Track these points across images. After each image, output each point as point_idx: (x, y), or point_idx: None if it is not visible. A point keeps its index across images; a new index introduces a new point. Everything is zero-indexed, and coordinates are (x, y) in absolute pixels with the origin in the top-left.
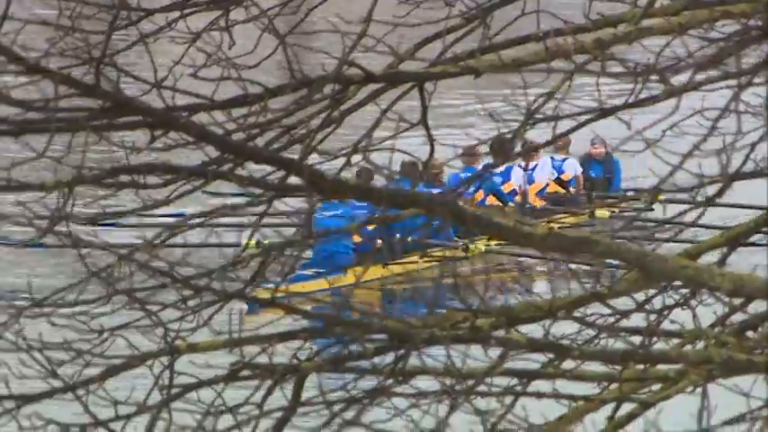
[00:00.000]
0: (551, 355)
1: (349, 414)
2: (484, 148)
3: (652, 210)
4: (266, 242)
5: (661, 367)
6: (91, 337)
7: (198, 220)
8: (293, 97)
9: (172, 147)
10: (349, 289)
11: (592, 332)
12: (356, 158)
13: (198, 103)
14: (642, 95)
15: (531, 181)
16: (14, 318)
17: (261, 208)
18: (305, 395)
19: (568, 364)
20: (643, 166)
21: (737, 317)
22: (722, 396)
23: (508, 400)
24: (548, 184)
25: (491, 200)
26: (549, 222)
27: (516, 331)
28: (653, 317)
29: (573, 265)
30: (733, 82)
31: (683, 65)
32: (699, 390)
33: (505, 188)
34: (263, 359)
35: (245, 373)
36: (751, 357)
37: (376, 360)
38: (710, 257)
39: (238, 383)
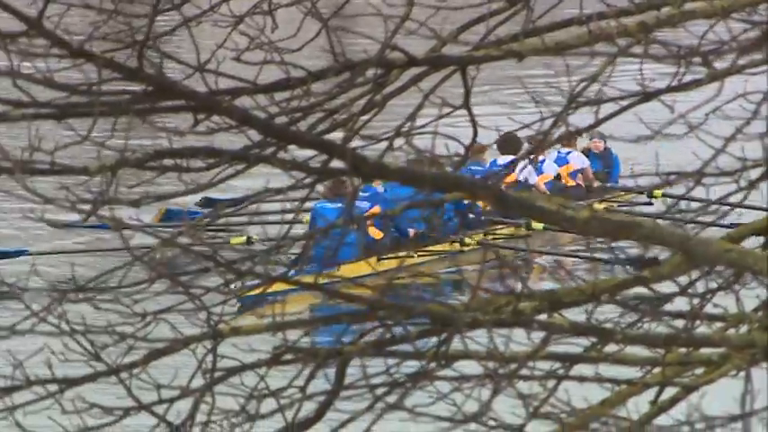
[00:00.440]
0: (594, 339)
1: (391, 398)
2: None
3: (651, 204)
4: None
5: (704, 351)
6: (134, 320)
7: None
8: (336, 81)
9: (215, 130)
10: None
11: (635, 316)
12: (398, 142)
13: (241, 86)
14: (685, 79)
15: (540, 172)
16: (58, 301)
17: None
18: (347, 379)
19: (611, 348)
20: (686, 150)
21: None
22: (765, 380)
23: (551, 383)
24: (558, 176)
25: None
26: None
27: (559, 315)
28: (696, 301)
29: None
30: None
31: (727, 48)
32: (742, 374)
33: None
34: (305, 343)
35: (288, 356)
36: None
37: (419, 344)
38: (754, 241)
39: (281, 367)
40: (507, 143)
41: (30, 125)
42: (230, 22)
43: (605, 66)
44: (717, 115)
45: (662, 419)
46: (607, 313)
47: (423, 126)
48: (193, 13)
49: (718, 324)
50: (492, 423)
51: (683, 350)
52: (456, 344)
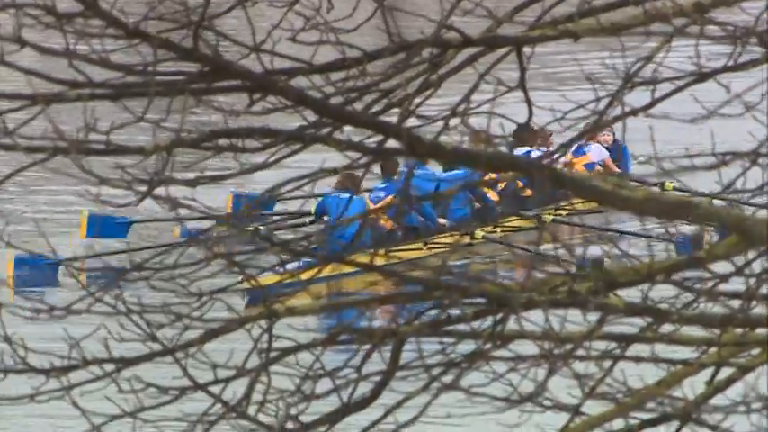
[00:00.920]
0: (650, 320)
1: (447, 378)
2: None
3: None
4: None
5: (760, 331)
6: (190, 300)
7: (298, 183)
8: (391, 61)
9: (270, 111)
10: (450, 253)
11: (690, 296)
12: (454, 122)
13: (296, 66)
14: (741, 59)
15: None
16: (114, 281)
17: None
18: (403, 359)
19: (667, 328)
20: (741, 131)
21: None
22: None
23: (606, 364)
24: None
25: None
26: (556, 210)
27: (615, 295)
28: (752, 281)
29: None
30: None
31: None
32: None
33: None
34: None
35: (344, 336)
36: None
37: (474, 324)
38: None
39: (337, 347)
40: (522, 135)
41: (85, 106)
42: (286, 2)
43: (661, 46)
44: None
45: (718, 400)
46: (663, 293)
47: (478, 106)
48: None
49: None
50: (548, 403)
51: (738, 330)
52: (512, 324)
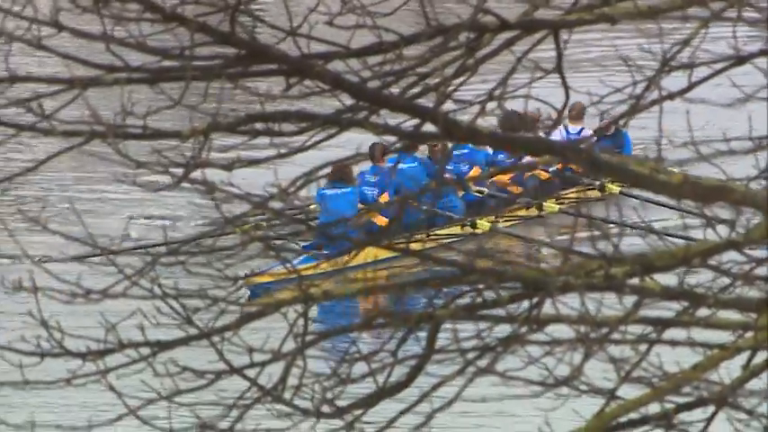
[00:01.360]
0: (686, 303)
1: (483, 362)
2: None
3: None
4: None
5: None
6: (226, 284)
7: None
8: (428, 45)
9: (307, 94)
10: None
11: (727, 280)
12: (491, 106)
13: (333, 50)
14: None
15: None
16: (150, 265)
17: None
18: (438, 343)
19: (703, 313)
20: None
21: None
22: None
23: (642, 348)
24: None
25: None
26: (558, 199)
27: (651, 279)
28: None
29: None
30: None
31: None
32: None
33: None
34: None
35: (380, 320)
36: None
37: (510, 308)
38: None
39: (373, 331)
40: (509, 122)
41: (122, 90)
42: None
43: (698, 29)
44: None
45: (754, 384)
46: (699, 277)
47: (515, 90)
48: None
49: None
50: (583, 387)
51: None
52: (548, 308)
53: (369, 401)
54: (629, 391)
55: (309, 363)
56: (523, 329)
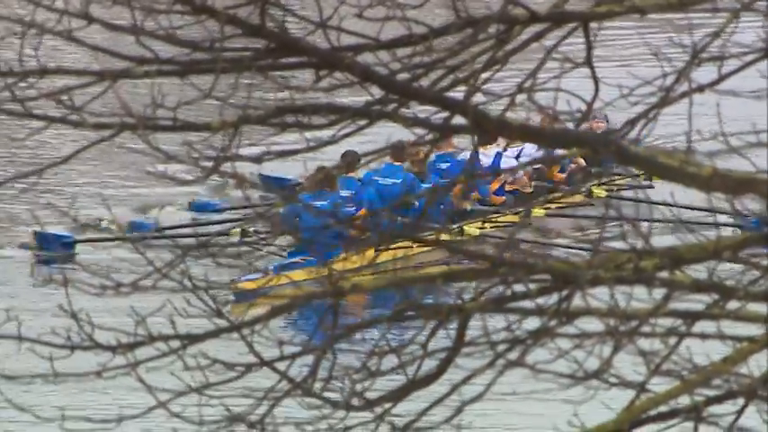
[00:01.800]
0: (716, 296)
1: (512, 355)
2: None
3: (652, 187)
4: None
5: None
6: (256, 276)
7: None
8: (458, 37)
9: (337, 87)
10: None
11: (757, 273)
12: (520, 98)
13: (363, 43)
14: None
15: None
16: (180, 258)
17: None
18: (468, 336)
19: (733, 305)
20: None
21: None
22: None
23: (672, 340)
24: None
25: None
26: (546, 203)
27: (681, 272)
28: None
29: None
30: None
31: None
32: None
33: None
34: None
35: (410, 313)
36: None
37: (540, 301)
38: None
39: (402, 324)
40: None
41: (152, 82)
42: None
43: (728, 21)
44: None
45: None
46: (729, 270)
47: (544, 82)
48: None
49: None
50: (613, 380)
51: None
52: (577, 301)
53: (398, 394)
54: (658, 384)
55: (339, 355)
56: (553, 322)
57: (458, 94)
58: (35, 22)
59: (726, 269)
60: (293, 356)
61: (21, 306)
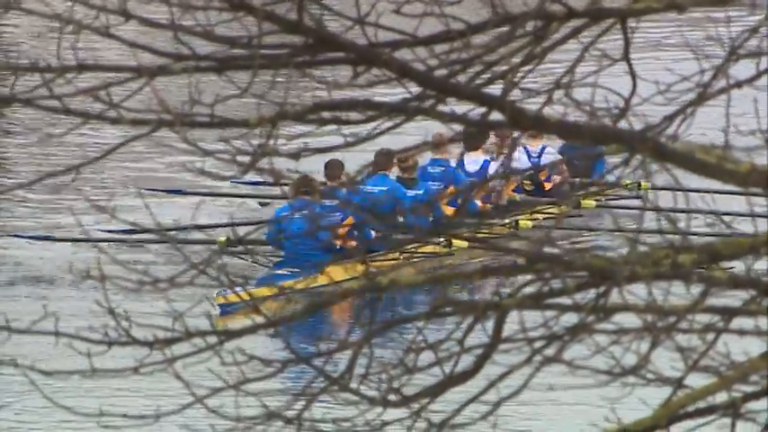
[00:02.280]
0: (753, 292)
1: (549, 351)
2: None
3: (639, 198)
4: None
5: None
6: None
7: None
8: (495, 33)
9: (374, 83)
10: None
11: None
12: (558, 95)
13: (400, 39)
14: None
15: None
16: (217, 254)
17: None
18: (505, 332)
19: None
20: None
21: None
22: None
23: (710, 336)
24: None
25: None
26: (532, 213)
27: (719, 268)
28: None
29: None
30: None
31: None
32: None
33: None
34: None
35: (447, 309)
36: None
37: (577, 297)
38: None
39: (439, 320)
40: (471, 138)
41: (190, 78)
42: None
43: (767, 16)
44: None
45: None
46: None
47: (582, 79)
48: None
49: None
50: (650, 376)
51: None
52: (615, 297)
53: (435, 390)
54: (696, 381)
55: (376, 351)
56: (590, 318)
57: (495, 90)
58: (73, 18)
59: (763, 265)
60: (330, 353)
61: (58, 303)
